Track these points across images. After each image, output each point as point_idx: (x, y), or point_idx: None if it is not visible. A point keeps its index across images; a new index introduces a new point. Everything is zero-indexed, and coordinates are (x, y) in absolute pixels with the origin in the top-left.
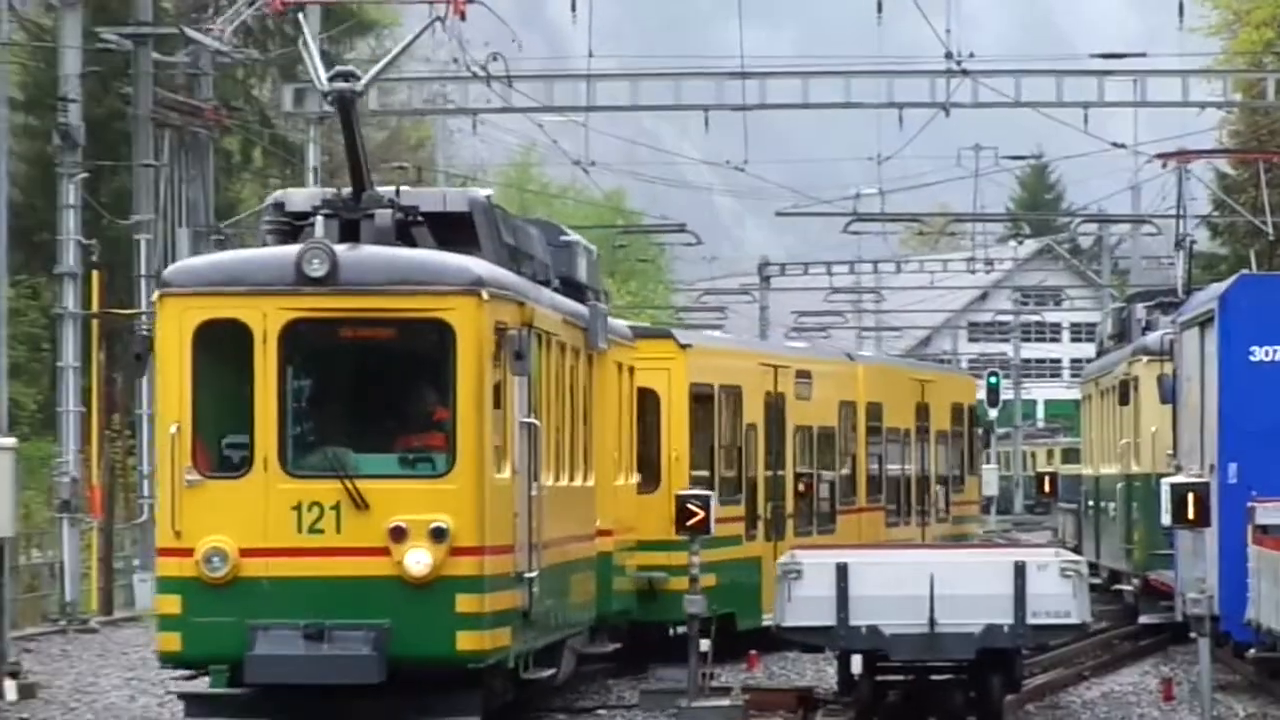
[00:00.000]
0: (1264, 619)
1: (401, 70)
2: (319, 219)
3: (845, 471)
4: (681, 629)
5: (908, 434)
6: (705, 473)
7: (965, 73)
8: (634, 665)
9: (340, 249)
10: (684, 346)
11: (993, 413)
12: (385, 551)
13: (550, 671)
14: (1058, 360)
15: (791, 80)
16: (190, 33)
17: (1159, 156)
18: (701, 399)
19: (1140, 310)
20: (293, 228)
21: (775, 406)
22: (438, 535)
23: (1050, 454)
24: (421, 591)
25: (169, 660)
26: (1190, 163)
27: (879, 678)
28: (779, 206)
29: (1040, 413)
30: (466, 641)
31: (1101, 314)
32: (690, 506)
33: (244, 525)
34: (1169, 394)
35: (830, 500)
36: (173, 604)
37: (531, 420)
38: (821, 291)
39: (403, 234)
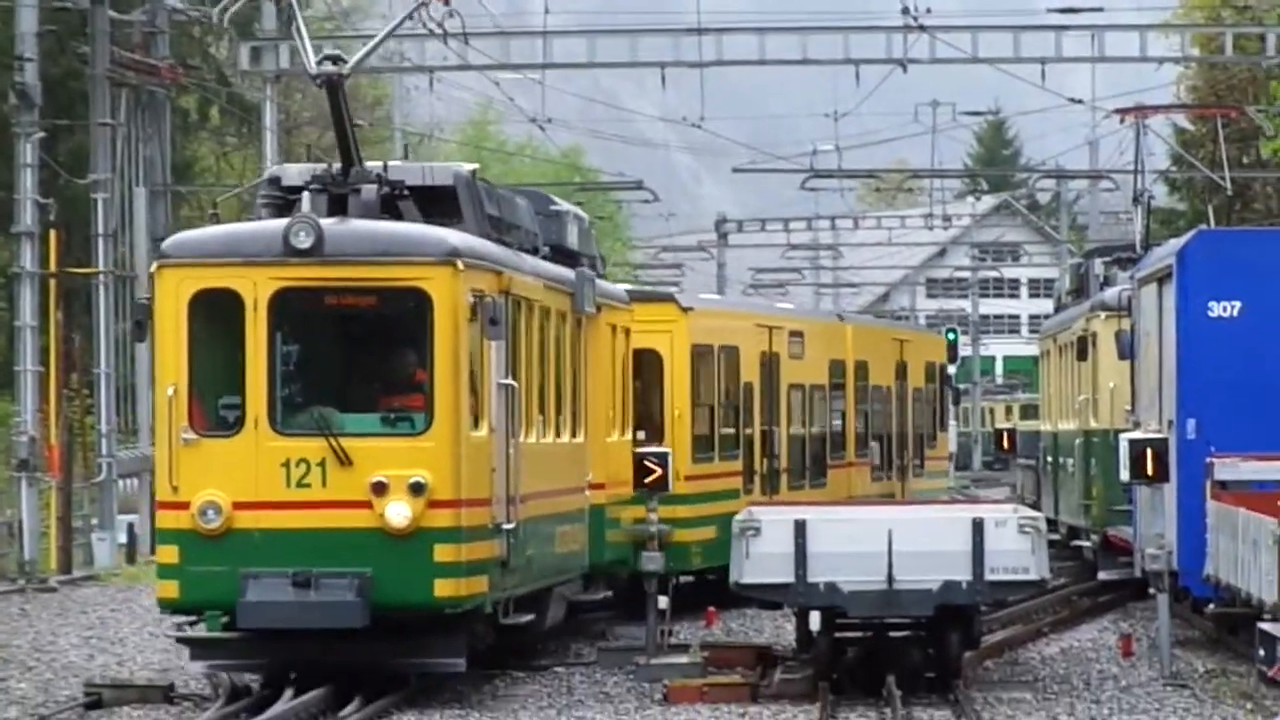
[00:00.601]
0: (1222, 574)
1: (359, 29)
2: (306, 194)
3: (836, 428)
4: (684, 578)
5: (889, 392)
6: (705, 430)
7: (922, 29)
8: (638, 613)
9: (326, 222)
10: (686, 309)
11: (951, 369)
12: (368, 505)
13: (529, 617)
14: (1016, 316)
15: (748, 37)
16: None
17: (1117, 112)
18: (702, 359)
19: (1098, 266)
20: (286, 201)
21: (770, 365)
22: (416, 489)
23: (1009, 410)
24: (401, 542)
25: (167, 606)
26: (1148, 118)
27: (837, 635)
28: (736, 163)
29: (999, 369)
30: (444, 588)
31: (1059, 270)
32: (648, 463)
33: (236, 480)
34: (1127, 350)
35: (822, 455)
36: (171, 554)
37: (509, 382)
38: (779, 248)
39: (389, 207)
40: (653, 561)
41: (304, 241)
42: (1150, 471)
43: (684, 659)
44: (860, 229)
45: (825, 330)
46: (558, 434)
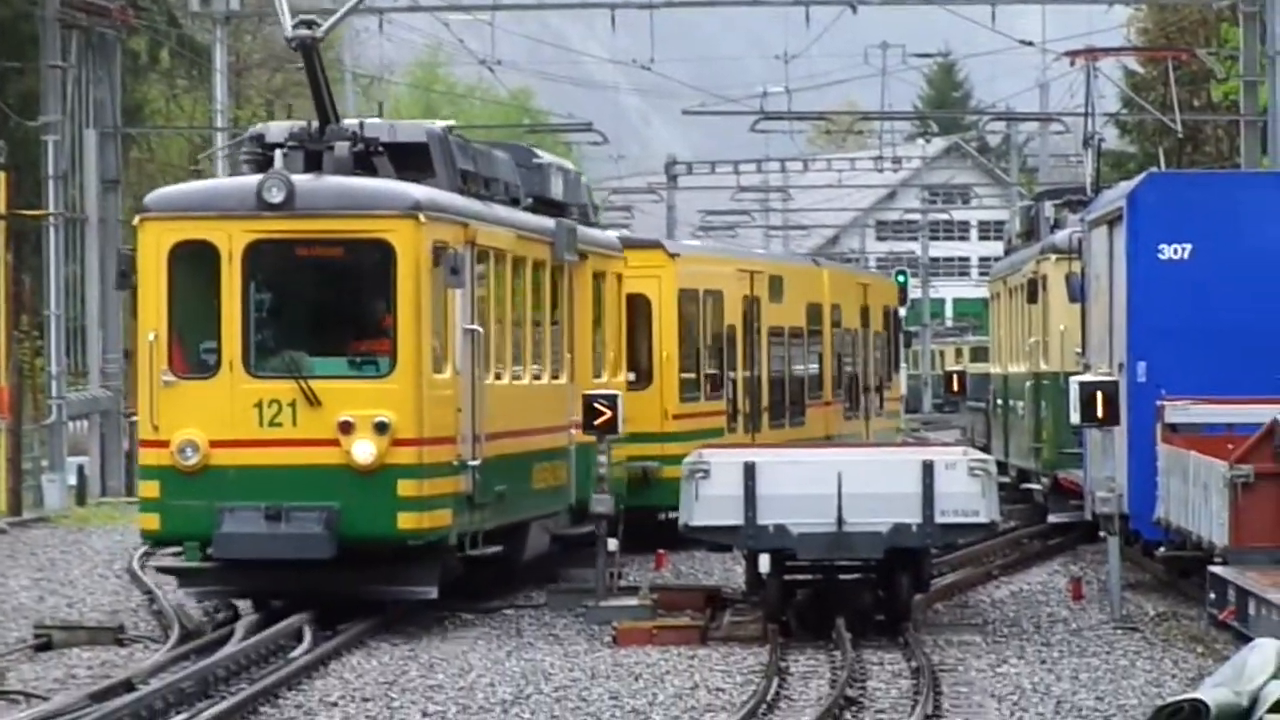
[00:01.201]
0: (1173, 517)
1: None
2: (278, 152)
3: (813, 369)
4: (673, 514)
5: (856, 334)
6: (691, 372)
7: None
8: (632, 548)
9: (297, 178)
10: (673, 255)
11: (902, 311)
12: (335, 443)
13: (495, 549)
14: (966, 258)
15: None
16: None
17: (1067, 54)
18: (688, 303)
19: (1049, 208)
20: (267, 158)
21: (752, 309)
22: (381, 428)
23: (959, 353)
24: (367, 478)
25: (149, 538)
26: (1098, 60)
27: (787, 577)
28: (686, 105)
29: (949, 311)
30: (407, 521)
31: (1010, 212)
32: (597, 406)
33: (212, 420)
34: (1077, 292)
35: (801, 396)
36: (152, 489)
37: (474, 327)
38: (729, 191)
39: (364, 163)
40: (602, 504)
41: (276, 196)
42: (1101, 415)
43: (633, 601)
44: (810, 171)
45: (803, 275)
46: (536, 377)
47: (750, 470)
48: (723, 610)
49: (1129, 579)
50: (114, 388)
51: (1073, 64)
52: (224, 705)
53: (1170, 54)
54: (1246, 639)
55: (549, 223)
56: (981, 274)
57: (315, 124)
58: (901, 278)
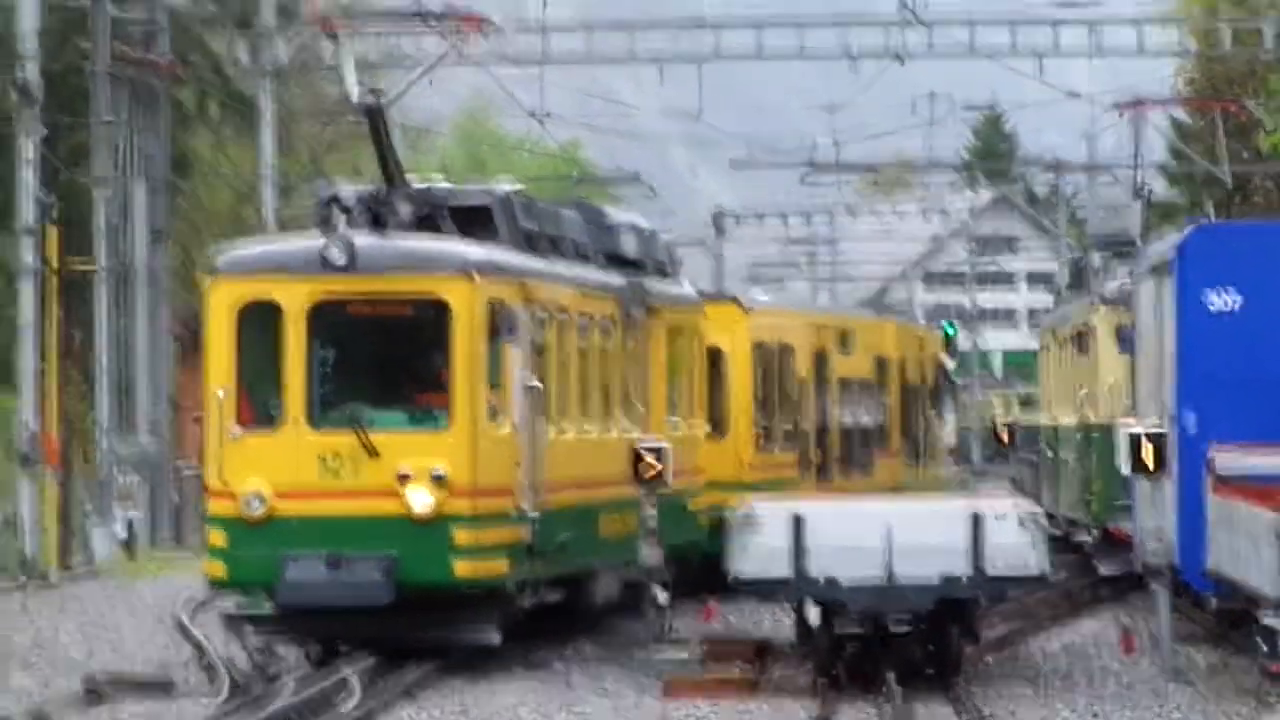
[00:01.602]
0: (1223, 568)
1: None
2: (338, 212)
3: (880, 420)
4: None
5: (918, 386)
6: (765, 422)
7: (920, 22)
8: (715, 591)
9: (360, 239)
10: (747, 310)
11: (950, 363)
12: (394, 493)
13: (556, 596)
14: (1014, 310)
15: (746, 31)
16: None
17: (1115, 105)
18: (761, 356)
19: (1097, 259)
20: (337, 218)
21: (822, 361)
22: (438, 480)
23: (1008, 404)
24: (424, 527)
25: (215, 584)
26: (1146, 111)
27: (836, 629)
28: (734, 157)
29: (998, 362)
30: (462, 569)
31: (1058, 263)
32: (646, 459)
33: (277, 472)
34: (1127, 343)
35: (869, 446)
36: (219, 538)
37: (534, 382)
38: (777, 241)
39: (429, 224)
40: (651, 556)
41: (338, 257)
42: (1150, 465)
43: (683, 653)
44: (858, 222)
45: (870, 328)
46: (605, 429)
47: (799, 522)
48: (772, 662)
49: (1179, 631)
50: (163, 439)
51: (1121, 115)
52: None
53: (1218, 104)
54: None
55: (617, 279)
56: (1030, 325)
57: (382, 186)
58: (950, 329)
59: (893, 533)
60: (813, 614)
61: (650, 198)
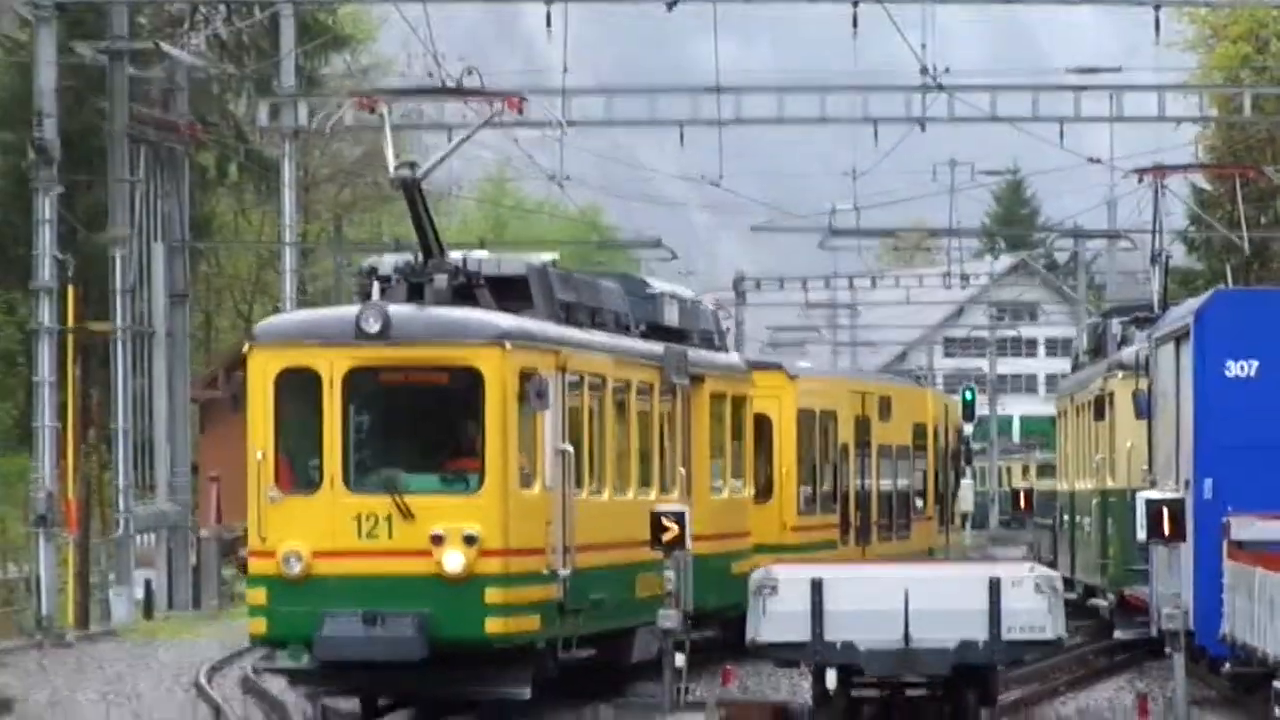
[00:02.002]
0: (1239, 634)
1: (376, 84)
2: (375, 283)
3: (918, 485)
4: None
5: (943, 452)
6: (809, 487)
7: (941, 88)
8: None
9: (394, 309)
10: (793, 377)
11: (968, 428)
12: (427, 553)
13: (589, 653)
14: (1033, 375)
15: (767, 95)
16: (166, 48)
17: (1135, 171)
18: (805, 422)
19: (1116, 325)
20: (379, 289)
21: (863, 428)
22: (470, 540)
23: (1026, 469)
24: (456, 586)
25: (256, 640)
26: (1166, 178)
27: (854, 693)
28: (754, 222)
29: (1016, 428)
30: (494, 626)
31: (1077, 329)
32: (665, 521)
33: (315, 533)
34: (1144, 409)
35: (907, 510)
36: (259, 596)
37: (565, 447)
38: (797, 306)
39: (465, 295)
40: (669, 619)
41: (372, 326)
42: (1167, 531)
43: (700, 716)
44: (878, 288)
45: (909, 396)
46: (644, 492)
47: (818, 586)
48: None
49: (1195, 695)
50: (181, 501)
51: (1140, 181)
52: None
53: (1238, 171)
54: None
55: (657, 348)
56: (1049, 390)
57: (420, 257)
58: (969, 394)
59: (910, 598)
60: (830, 678)
61: (670, 260)
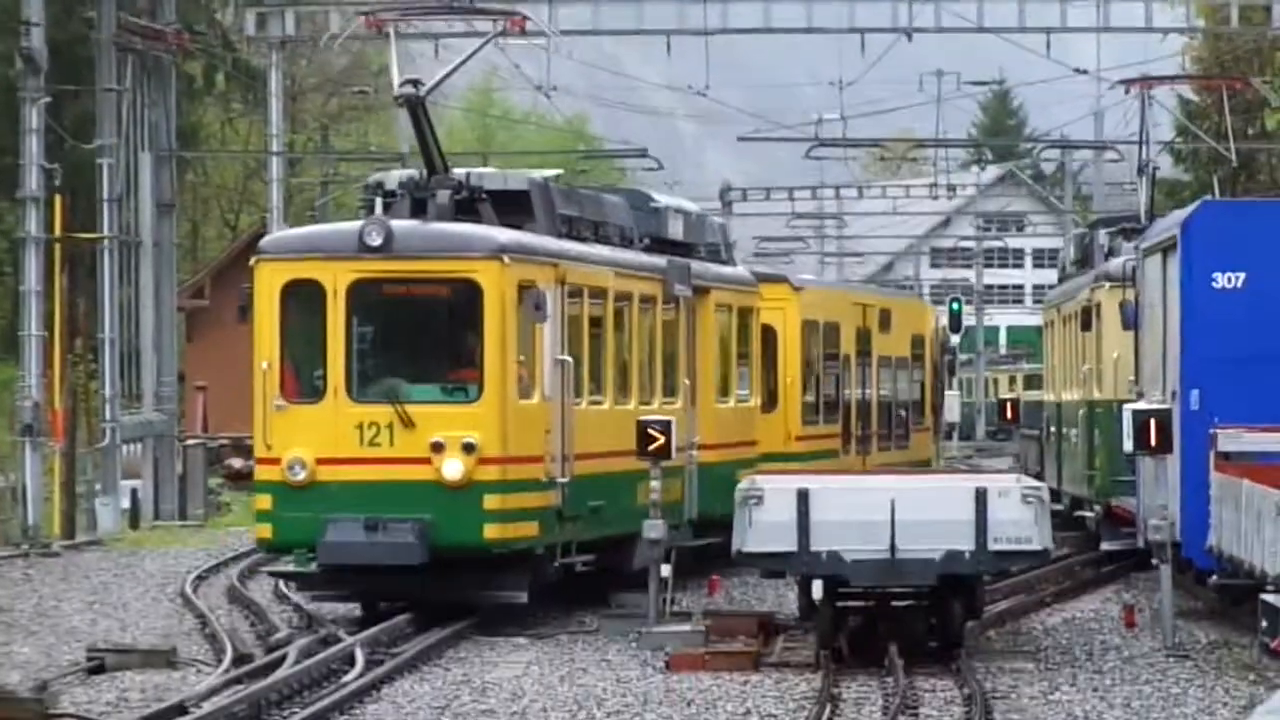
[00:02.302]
0: (1225, 546)
1: None
2: (378, 199)
3: (916, 395)
4: None
5: (938, 362)
6: (811, 396)
7: None
8: (697, 571)
9: (397, 223)
10: (797, 289)
11: (955, 339)
12: (427, 461)
13: (586, 558)
14: (1020, 286)
15: (754, 4)
16: None
17: (1122, 83)
18: (809, 333)
19: (1103, 236)
20: (384, 203)
21: (864, 339)
22: (468, 448)
23: (1012, 380)
24: (456, 492)
25: (263, 545)
26: (1153, 89)
27: (840, 604)
28: (741, 132)
29: (1003, 339)
30: (492, 532)
31: (1064, 240)
32: (651, 432)
33: (319, 441)
34: (1131, 320)
35: (906, 420)
36: (265, 502)
37: (564, 357)
38: (784, 217)
39: (468, 210)
40: (654, 529)
41: (375, 240)
42: (1154, 442)
43: (686, 627)
44: (864, 198)
45: (908, 308)
46: (644, 401)
47: (804, 497)
48: (775, 636)
49: (1181, 607)
50: (168, 411)
51: (1127, 92)
52: None
53: (1225, 82)
54: None
55: (660, 261)
56: (1035, 301)
57: (424, 173)
58: (955, 305)
59: (897, 508)
60: (816, 589)
61: (656, 170)
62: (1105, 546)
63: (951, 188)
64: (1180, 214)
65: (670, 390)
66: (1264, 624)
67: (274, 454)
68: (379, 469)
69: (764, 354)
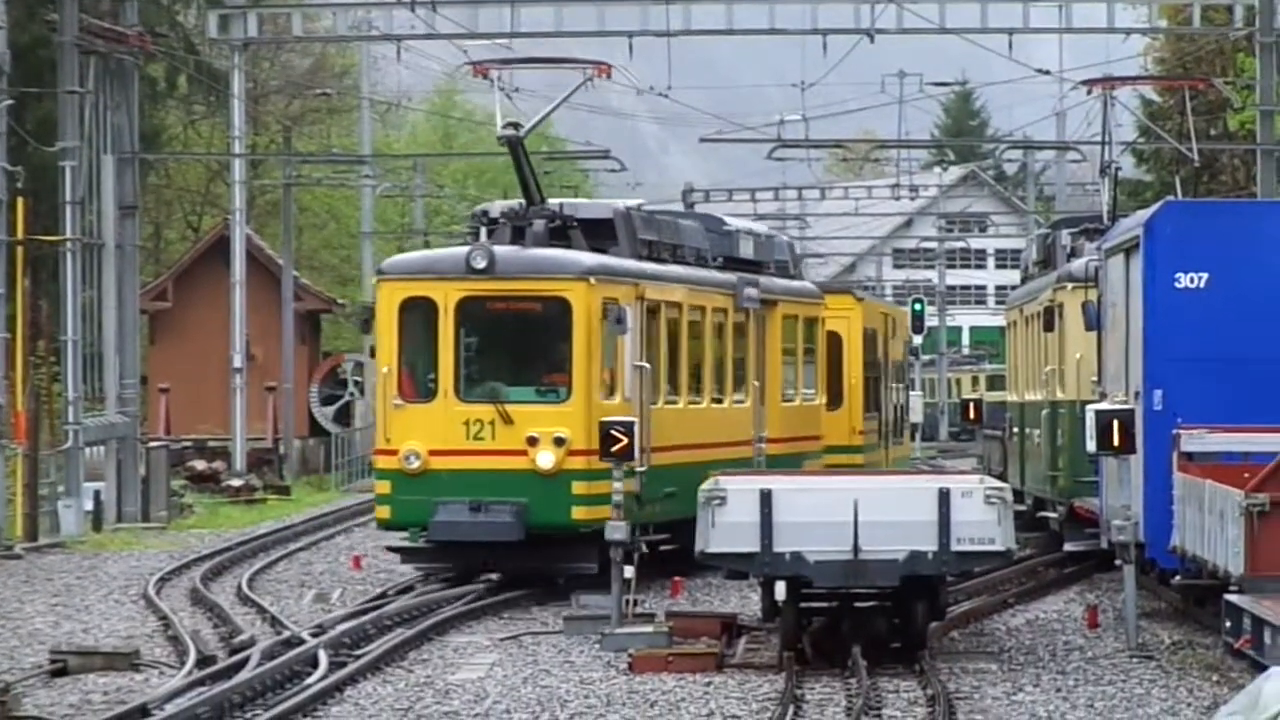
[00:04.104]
0: (1189, 546)
1: None
2: (483, 228)
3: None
4: None
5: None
6: (867, 395)
7: None
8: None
9: (499, 249)
10: (859, 299)
11: (918, 339)
12: (524, 453)
13: (663, 537)
14: (983, 287)
15: (716, 6)
16: None
17: (1084, 83)
18: (868, 339)
19: (1065, 237)
20: (487, 230)
21: (883, 344)
22: (559, 442)
23: (975, 381)
24: (548, 480)
25: (383, 525)
26: (1115, 89)
27: (803, 604)
28: (703, 133)
29: (965, 339)
30: (579, 513)
31: (1026, 241)
32: (614, 433)
33: (431, 435)
34: (1094, 321)
35: (901, 418)
36: (385, 487)
37: (642, 364)
38: (746, 218)
39: (561, 236)
40: (617, 530)
41: (480, 263)
42: (1117, 443)
43: (649, 628)
44: (827, 199)
45: (901, 315)
46: (717, 401)
47: (767, 497)
48: (739, 637)
49: (1145, 607)
50: (130, 413)
51: (1089, 93)
52: None
53: (1187, 83)
54: (1262, 667)
55: (730, 278)
56: (998, 302)
57: (523, 204)
58: (918, 306)
59: (860, 509)
60: (779, 590)
61: (619, 172)
62: (1068, 547)
63: (914, 188)
64: (1143, 214)
65: (741, 391)
66: (1227, 624)
67: (392, 446)
68: (482, 459)
69: (829, 357)
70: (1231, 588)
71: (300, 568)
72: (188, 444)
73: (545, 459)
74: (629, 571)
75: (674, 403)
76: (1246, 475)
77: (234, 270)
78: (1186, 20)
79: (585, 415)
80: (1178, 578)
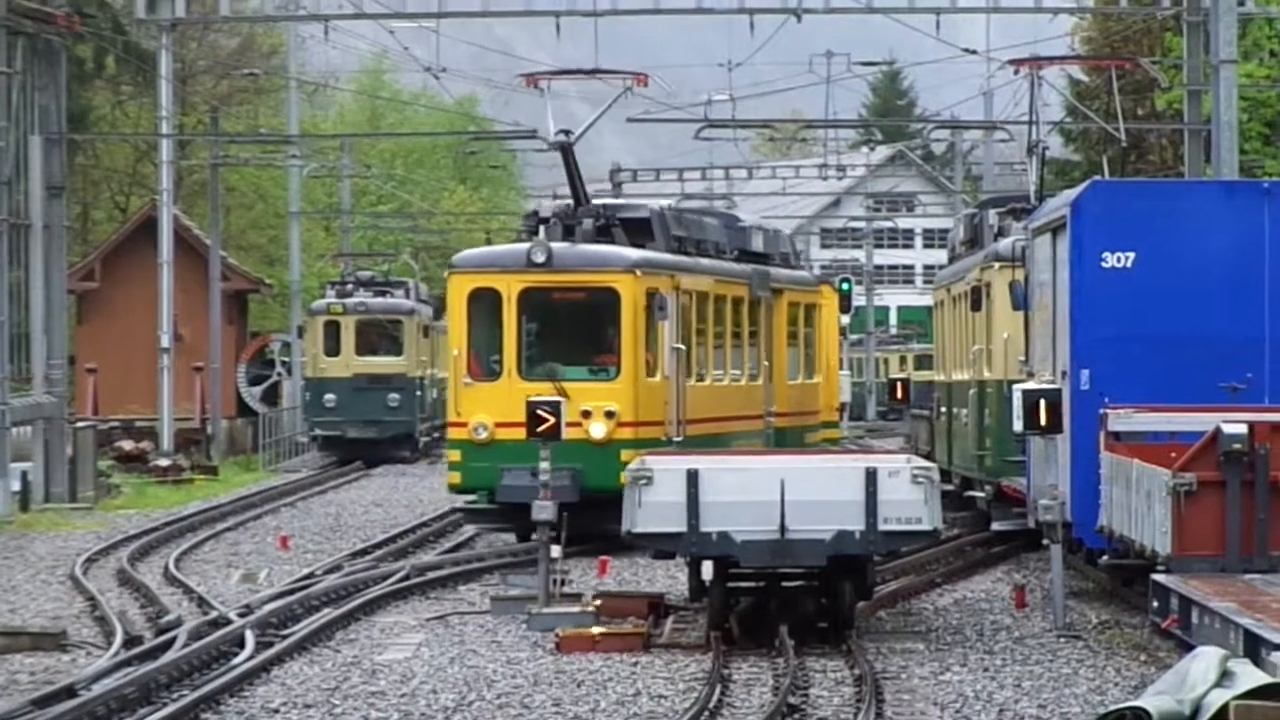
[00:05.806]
0: (1116, 525)
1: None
2: (542, 226)
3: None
4: None
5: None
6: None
7: None
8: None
9: (555, 245)
10: (835, 289)
11: (845, 319)
12: (579, 425)
13: None
14: (910, 266)
15: None
16: None
17: (1012, 63)
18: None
19: (992, 216)
20: (541, 228)
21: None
22: (610, 415)
23: (903, 360)
24: (600, 448)
25: (454, 489)
26: (1043, 69)
27: (730, 584)
28: (630, 113)
29: (893, 319)
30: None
31: (954, 220)
32: (540, 413)
33: (496, 409)
34: (1021, 300)
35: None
36: (456, 455)
37: (679, 346)
38: (673, 198)
39: (605, 233)
40: (544, 510)
41: (539, 257)
42: (1044, 422)
43: (576, 608)
44: (754, 179)
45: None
46: (736, 379)
47: (693, 477)
48: (666, 617)
49: (1072, 587)
50: (58, 393)
51: (1017, 72)
52: (166, 711)
53: (1114, 63)
54: (1189, 647)
55: (746, 269)
56: (926, 282)
57: (571, 204)
58: (845, 285)
59: (786, 488)
60: (706, 569)
61: (546, 151)
62: (996, 527)
63: (841, 168)
64: (1070, 194)
65: (754, 370)
66: (1154, 604)
67: (463, 419)
68: None
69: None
70: (1159, 567)
71: (227, 548)
72: (115, 424)
73: (598, 430)
74: (556, 551)
75: (703, 380)
76: (1173, 455)
77: (161, 250)
78: (1114, 0)
79: (632, 391)
80: (1105, 557)
